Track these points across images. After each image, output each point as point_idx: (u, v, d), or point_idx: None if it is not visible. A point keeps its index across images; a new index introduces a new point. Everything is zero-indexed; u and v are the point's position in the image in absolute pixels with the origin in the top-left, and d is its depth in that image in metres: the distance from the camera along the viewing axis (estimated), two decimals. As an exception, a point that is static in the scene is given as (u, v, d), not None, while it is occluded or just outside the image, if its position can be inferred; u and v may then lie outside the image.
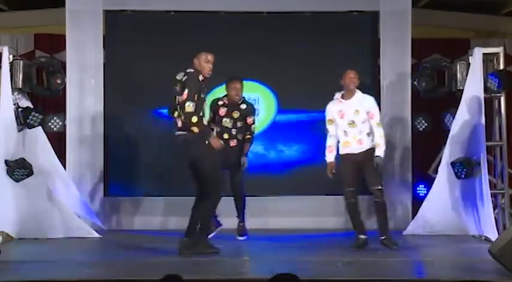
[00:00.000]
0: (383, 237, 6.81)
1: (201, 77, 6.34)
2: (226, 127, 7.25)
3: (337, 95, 6.89)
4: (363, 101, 6.82)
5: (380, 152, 6.70)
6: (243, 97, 7.39)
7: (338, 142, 6.88)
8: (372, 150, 6.76)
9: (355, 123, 6.76)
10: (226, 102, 7.31)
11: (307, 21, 8.60)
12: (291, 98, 8.56)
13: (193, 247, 6.27)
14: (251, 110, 7.34)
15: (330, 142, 6.90)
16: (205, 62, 6.38)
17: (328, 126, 6.89)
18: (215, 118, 7.30)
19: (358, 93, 6.86)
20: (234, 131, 7.26)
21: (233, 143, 7.27)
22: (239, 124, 7.27)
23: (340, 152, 6.86)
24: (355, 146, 6.79)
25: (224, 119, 7.25)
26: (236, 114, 7.26)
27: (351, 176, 6.77)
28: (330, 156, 6.88)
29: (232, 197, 7.27)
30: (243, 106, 7.33)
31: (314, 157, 8.51)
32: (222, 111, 7.28)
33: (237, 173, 7.28)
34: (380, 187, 6.74)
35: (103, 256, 6.63)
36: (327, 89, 8.51)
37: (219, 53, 8.31)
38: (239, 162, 7.23)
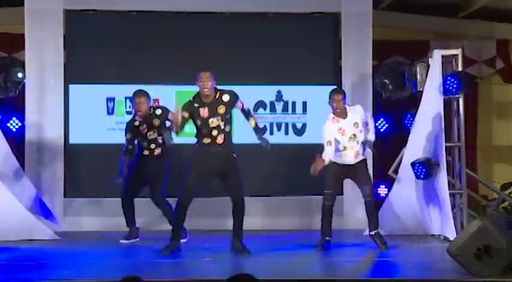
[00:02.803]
0: (375, 232, 6.95)
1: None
2: (152, 139, 7.22)
3: (330, 117, 6.84)
4: (355, 112, 6.83)
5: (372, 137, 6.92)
6: (152, 106, 7.32)
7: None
8: (364, 160, 6.92)
9: (356, 137, 6.81)
10: (141, 119, 7.23)
11: (269, 22, 8.62)
12: (252, 99, 8.57)
13: None
14: (167, 113, 7.20)
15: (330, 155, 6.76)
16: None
17: (327, 148, 6.72)
18: (138, 136, 7.24)
19: (348, 107, 6.86)
20: (160, 139, 7.24)
21: (158, 151, 7.22)
22: (162, 130, 7.24)
23: (333, 160, 6.81)
24: (351, 158, 6.85)
25: (148, 133, 7.21)
26: (156, 122, 7.20)
27: (334, 180, 6.88)
28: (326, 159, 6.69)
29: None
30: (158, 111, 7.24)
31: (277, 158, 8.56)
32: (142, 128, 7.22)
33: (158, 183, 7.21)
34: (372, 199, 6.94)
35: (61, 258, 6.55)
36: (289, 90, 8.63)
37: (180, 54, 8.36)
38: (159, 172, 7.17)
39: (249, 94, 8.47)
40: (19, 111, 8.39)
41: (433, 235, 7.64)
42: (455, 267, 5.56)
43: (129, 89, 7.76)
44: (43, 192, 8.10)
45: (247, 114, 6.63)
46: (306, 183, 8.42)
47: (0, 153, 7.60)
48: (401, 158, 7.96)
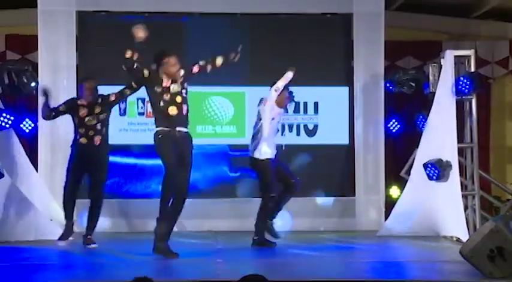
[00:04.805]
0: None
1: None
2: (91, 125, 7.12)
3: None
4: None
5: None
6: (100, 94, 7.25)
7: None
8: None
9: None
10: (85, 103, 7.19)
11: (282, 22, 8.61)
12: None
13: None
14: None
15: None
16: None
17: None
18: (74, 119, 7.17)
19: None
20: (99, 126, 7.12)
21: (98, 140, 7.11)
22: (102, 117, 7.15)
23: (267, 156, 7.00)
24: (273, 149, 7.07)
25: (87, 118, 7.12)
26: (98, 109, 7.14)
27: (274, 179, 7.05)
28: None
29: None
30: (99, 99, 7.20)
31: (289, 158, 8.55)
32: (83, 112, 7.13)
33: (100, 173, 7.14)
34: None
35: (73, 258, 6.58)
36: (300, 91, 8.61)
37: (192, 55, 8.35)
38: (102, 162, 7.13)
39: (260, 95, 8.49)
40: (32, 113, 8.42)
41: (445, 236, 7.61)
42: (468, 269, 5.54)
43: (141, 90, 7.77)
44: (56, 193, 8.11)
45: (206, 64, 6.59)
46: (317, 184, 8.46)
47: (14, 155, 7.65)
48: (414, 159, 7.93)
